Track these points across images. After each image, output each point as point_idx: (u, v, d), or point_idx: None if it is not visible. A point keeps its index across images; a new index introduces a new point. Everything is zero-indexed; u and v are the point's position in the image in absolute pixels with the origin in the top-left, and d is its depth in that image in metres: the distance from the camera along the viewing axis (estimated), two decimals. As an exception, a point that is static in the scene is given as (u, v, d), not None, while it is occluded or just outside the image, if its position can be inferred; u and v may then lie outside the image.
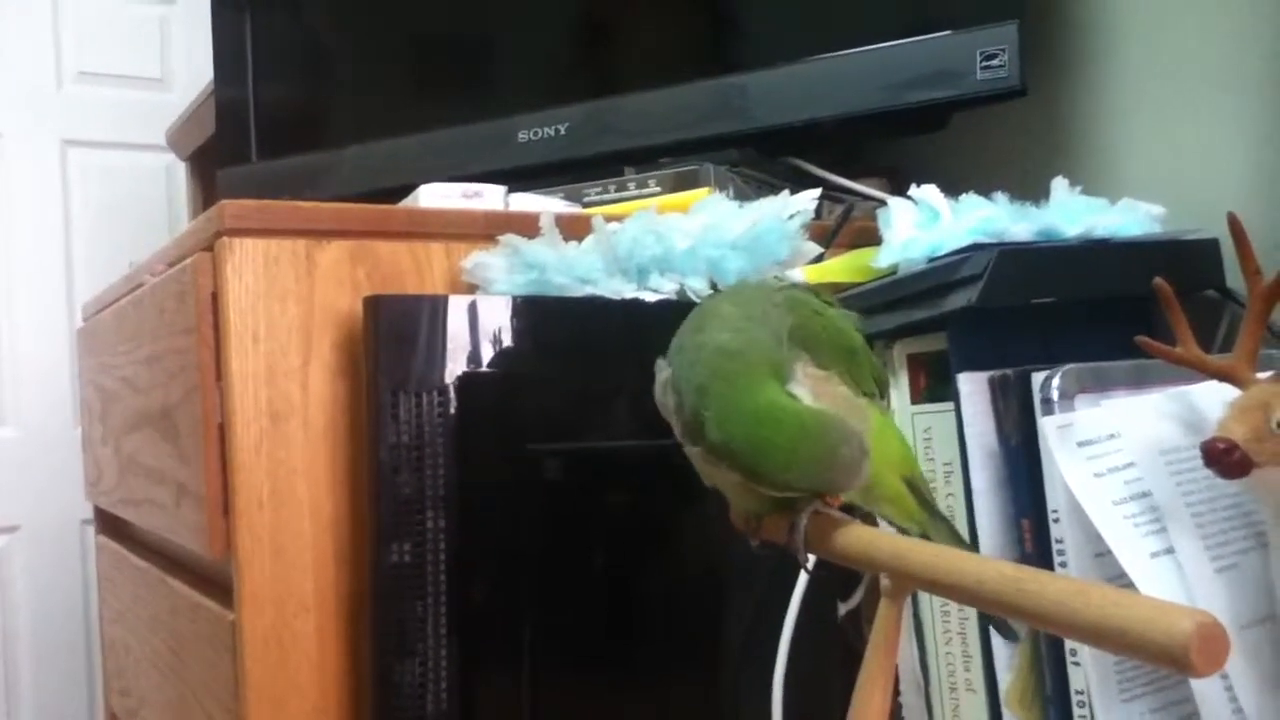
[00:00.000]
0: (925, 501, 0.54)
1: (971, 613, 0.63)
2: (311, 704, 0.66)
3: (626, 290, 0.71)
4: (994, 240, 0.67)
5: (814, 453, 0.46)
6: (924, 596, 0.67)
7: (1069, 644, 0.58)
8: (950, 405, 0.64)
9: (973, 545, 0.61)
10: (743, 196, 0.80)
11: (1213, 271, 0.71)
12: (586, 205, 0.87)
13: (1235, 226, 0.54)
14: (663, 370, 0.52)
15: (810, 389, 0.48)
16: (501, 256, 0.70)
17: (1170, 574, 0.54)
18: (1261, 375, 0.53)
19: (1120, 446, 0.57)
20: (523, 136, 0.97)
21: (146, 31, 2.07)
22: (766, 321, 0.49)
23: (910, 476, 0.54)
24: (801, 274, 0.74)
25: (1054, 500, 0.58)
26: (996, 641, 0.62)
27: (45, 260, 1.96)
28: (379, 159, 1.05)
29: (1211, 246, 0.71)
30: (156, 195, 2.06)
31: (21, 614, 1.92)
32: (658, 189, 0.85)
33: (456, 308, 0.65)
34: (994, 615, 0.57)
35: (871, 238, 0.75)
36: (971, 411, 0.63)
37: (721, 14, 0.96)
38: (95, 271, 1.92)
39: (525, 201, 0.82)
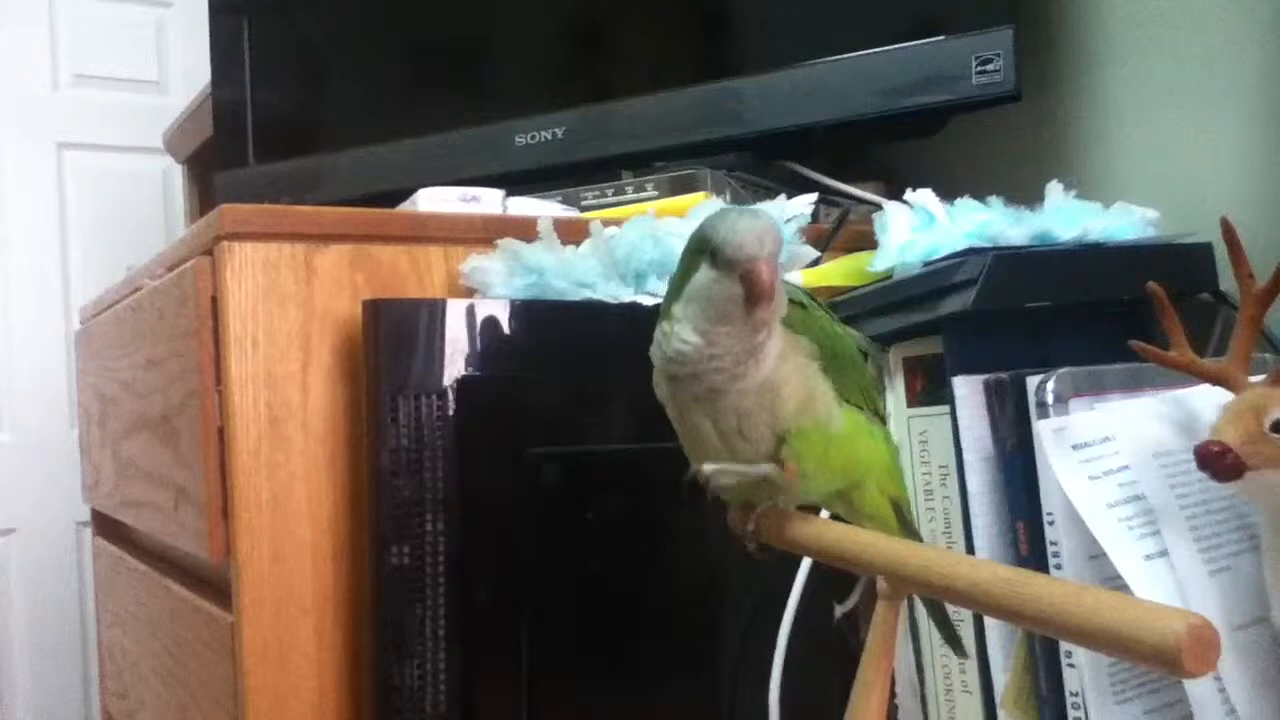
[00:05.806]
0: (909, 528, 0.54)
1: (967, 615, 0.64)
2: (310, 706, 0.67)
3: (624, 294, 0.71)
4: (989, 244, 0.67)
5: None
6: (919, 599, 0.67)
7: (1064, 646, 0.59)
8: (946, 409, 0.64)
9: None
10: (740, 201, 0.80)
11: (1206, 275, 0.71)
12: (584, 209, 0.87)
13: (1228, 230, 0.55)
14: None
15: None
16: (500, 260, 0.70)
17: (1164, 576, 0.54)
18: (1255, 379, 0.54)
19: (1115, 450, 0.57)
20: (520, 140, 0.97)
21: (143, 34, 2.07)
22: None
23: (897, 499, 0.54)
24: (798, 278, 0.74)
25: (1049, 503, 0.58)
26: (992, 643, 0.63)
27: (41, 263, 1.96)
28: (377, 163, 1.05)
29: (1205, 250, 0.71)
30: (153, 198, 2.06)
31: (17, 616, 1.92)
32: (655, 193, 0.85)
33: (455, 311, 0.66)
34: (946, 631, 0.57)
35: (868, 242, 0.75)
36: (967, 415, 0.63)
37: (718, 18, 0.96)
38: (91, 275, 1.92)
39: (523, 205, 0.82)
